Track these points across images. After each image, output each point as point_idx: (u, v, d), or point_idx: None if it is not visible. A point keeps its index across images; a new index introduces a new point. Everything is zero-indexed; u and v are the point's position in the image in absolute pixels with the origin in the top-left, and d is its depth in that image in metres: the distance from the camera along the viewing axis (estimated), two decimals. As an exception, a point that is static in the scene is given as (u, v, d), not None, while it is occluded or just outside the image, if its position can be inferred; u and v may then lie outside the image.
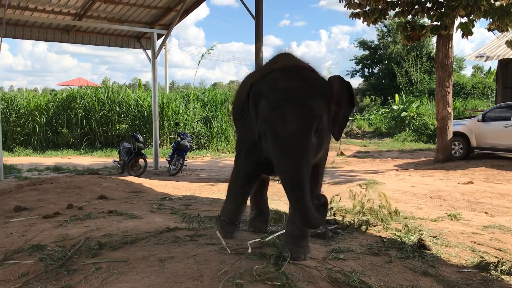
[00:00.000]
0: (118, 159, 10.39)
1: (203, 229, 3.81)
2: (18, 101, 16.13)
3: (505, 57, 15.18)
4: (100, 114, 15.90)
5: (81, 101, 16.00)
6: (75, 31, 11.69)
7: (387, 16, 11.50)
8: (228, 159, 13.02)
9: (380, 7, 10.98)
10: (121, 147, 10.36)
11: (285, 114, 2.54)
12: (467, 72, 31.52)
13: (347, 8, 11.34)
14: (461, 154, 11.77)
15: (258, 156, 3.05)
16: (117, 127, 15.99)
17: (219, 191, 7.09)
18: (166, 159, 10.92)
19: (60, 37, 11.70)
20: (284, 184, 2.58)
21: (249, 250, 2.99)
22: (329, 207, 4.78)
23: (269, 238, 3.34)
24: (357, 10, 11.36)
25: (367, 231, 3.94)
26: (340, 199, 4.96)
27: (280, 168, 2.60)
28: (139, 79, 23.20)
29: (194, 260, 2.91)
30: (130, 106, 16.55)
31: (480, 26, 75.29)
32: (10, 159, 12.57)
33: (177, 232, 3.69)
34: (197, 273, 2.69)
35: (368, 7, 11.19)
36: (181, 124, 15.24)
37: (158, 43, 12.03)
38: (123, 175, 9.19)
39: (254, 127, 2.88)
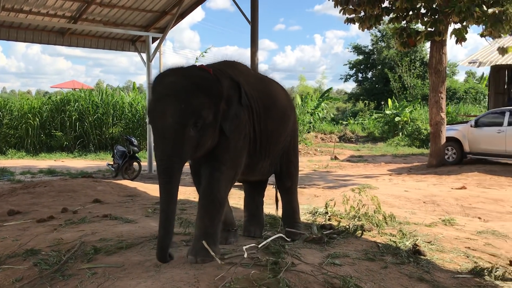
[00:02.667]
0: (112, 163, 10.35)
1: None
2: (12, 103, 16.04)
3: (497, 63, 15.31)
4: (94, 117, 15.86)
5: (75, 104, 15.95)
6: (70, 34, 11.65)
7: (381, 22, 11.56)
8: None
9: (375, 12, 11.05)
10: (115, 150, 10.32)
11: (163, 107, 2.72)
12: (460, 77, 31.84)
13: (342, 14, 11.41)
14: (454, 159, 11.84)
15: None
16: (111, 130, 15.96)
17: (214, 195, 7.07)
18: (160, 163, 10.88)
19: (55, 40, 11.64)
20: (157, 171, 2.78)
21: (245, 255, 2.99)
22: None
23: (263, 243, 3.34)
24: (352, 16, 11.43)
25: (362, 236, 3.96)
26: (335, 204, 4.97)
27: (156, 156, 2.81)
28: (133, 82, 23.15)
29: (190, 265, 2.90)
30: (124, 109, 16.52)
31: (473, 32, 75.62)
32: (3, 162, 12.50)
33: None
34: (193, 278, 2.68)
35: (363, 13, 11.26)
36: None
37: (153, 46, 12.03)
38: (117, 179, 9.17)
39: None
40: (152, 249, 3.34)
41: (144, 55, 11.94)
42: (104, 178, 9.55)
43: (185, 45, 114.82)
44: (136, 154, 10.19)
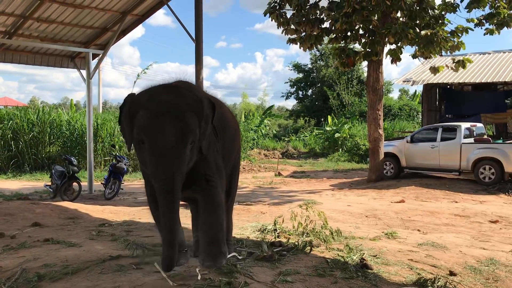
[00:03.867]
0: (50, 183, 9.92)
1: (148, 256, 3.72)
2: None
3: (429, 82, 16.22)
4: (29, 136, 15.14)
5: (9, 122, 15.17)
6: (4, 49, 11.17)
7: (321, 42, 11.93)
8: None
9: (315, 33, 11.40)
10: (53, 171, 9.91)
11: (164, 126, 2.69)
12: (394, 95, 33.20)
13: (285, 34, 11.69)
14: (392, 173, 12.34)
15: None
16: (48, 149, 15.31)
17: (160, 215, 6.95)
18: (101, 183, 10.57)
19: (-13, 55, 11.12)
20: (158, 190, 2.71)
21: (199, 277, 2.96)
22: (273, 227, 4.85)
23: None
24: (294, 36, 11.73)
25: (311, 252, 4.03)
26: (283, 220, 5.03)
27: (155, 175, 2.72)
28: (71, 99, 22.43)
29: (140, 289, 2.84)
30: (61, 127, 15.92)
31: (406, 52, 79.52)
32: None
33: (120, 260, 3.59)
34: (146, 302, 2.63)
35: (304, 33, 11.58)
36: (117, 146, 14.83)
37: (93, 63, 11.74)
38: (56, 200, 8.80)
39: (128, 138, 2.97)
40: (100, 273, 3.23)
41: (83, 72, 11.63)
42: (42, 199, 9.14)
43: (124, 61, 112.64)
44: (76, 174, 9.83)
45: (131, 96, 2.98)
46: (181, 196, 2.92)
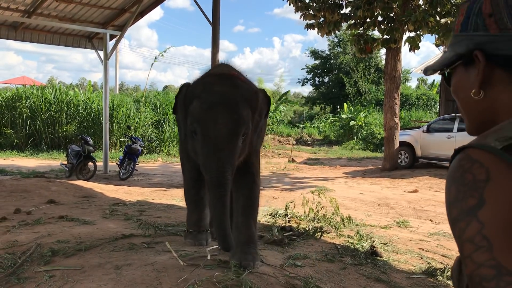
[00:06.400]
0: (66, 162, 10.07)
1: (160, 236, 3.78)
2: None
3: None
4: (46, 115, 15.34)
5: (26, 101, 15.37)
6: (23, 28, 11.23)
7: (340, 28, 11.80)
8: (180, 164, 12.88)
9: (334, 19, 11.27)
10: (69, 150, 10.04)
11: (217, 116, 2.68)
12: (412, 84, 32.84)
13: (303, 19, 11.57)
14: (406, 163, 12.25)
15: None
16: (65, 129, 15.49)
17: (172, 196, 7.03)
18: (116, 163, 10.69)
19: (7, 34, 11.19)
20: (209, 182, 2.69)
21: (208, 257, 3.00)
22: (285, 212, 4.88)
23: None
24: (312, 21, 11.61)
25: (322, 237, 4.04)
26: (295, 206, 5.05)
27: (206, 167, 2.70)
28: (89, 80, 22.61)
29: (152, 267, 2.88)
30: (78, 107, 16.08)
31: (426, 41, 78.51)
32: None
33: (132, 239, 3.64)
34: (155, 280, 2.66)
35: (322, 19, 11.46)
36: (132, 128, 14.96)
37: (110, 44, 11.77)
38: (71, 179, 8.93)
39: (182, 128, 3.00)
40: (112, 251, 3.29)
41: (101, 53, 11.67)
42: (58, 178, 9.27)
43: (142, 44, 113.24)
44: (92, 154, 9.95)
45: (186, 86, 2.98)
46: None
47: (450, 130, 11.56)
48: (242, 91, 2.83)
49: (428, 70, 1.00)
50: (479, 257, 0.66)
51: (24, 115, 15.12)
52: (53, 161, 12.82)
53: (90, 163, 9.91)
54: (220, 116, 2.66)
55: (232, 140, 2.68)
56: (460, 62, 0.89)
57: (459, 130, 11.34)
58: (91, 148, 9.86)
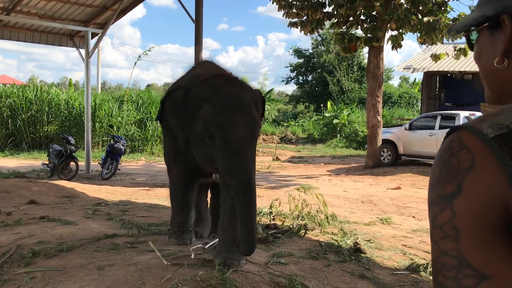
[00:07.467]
0: (47, 162, 9.92)
1: (143, 236, 3.75)
2: None
3: (429, 70, 16.16)
4: (27, 114, 15.08)
5: (6, 100, 15.10)
6: (2, 26, 11.06)
7: (323, 26, 11.84)
8: (164, 163, 12.79)
9: (317, 17, 11.31)
10: (51, 149, 9.89)
11: (236, 119, 2.64)
12: (395, 82, 33.08)
13: (286, 17, 11.58)
14: (389, 160, 12.35)
15: (187, 162, 3.15)
16: (46, 128, 15.25)
17: (156, 196, 6.98)
18: (98, 163, 10.57)
19: (-15, 32, 11.02)
20: (236, 187, 2.63)
21: (192, 256, 2.98)
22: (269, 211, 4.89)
23: (210, 244, 3.34)
24: (295, 20, 11.63)
25: (306, 235, 4.05)
26: (280, 204, 5.05)
27: (231, 171, 2.65)
28: (70, 79, 22.29)
29: (135, 267, 2.85)
30: (60, 106, 15.84)
31: (408, 39, 79.31)
32: None
33: (115, 239, 3.61)
34: (139, 280, 2.64)
35: (305, 17, 11.48)
36: (114, 127, 14.80)
37: (92, 42, 11.62)
38: (53, 179, 8.80)
39: (179, 133, 2.91)
40: (95, 251, 3.25)
41: (82, 51, 11.51)
42: (39, 178, 9.13)
43: (125, 42, 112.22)
44: (74, 154, 9.82)
45: (181, 90, 2.87)
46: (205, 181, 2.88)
47: (432, 127, 11.69)
48: (249, 92, 2.83)
49: (451, 30, 0.91)
50: (445, 245, 0.66)
51: (4, 114, 14.86)
52: (34, 161, 12.62)
53: (72, 163, 9.77)
54: (238, 119, 2.63)
55: (252, 142, 2.69)
56: (486, 25, 0.81)
57: (441, 127, 11.48)
58: (73, 147, 9.72)
